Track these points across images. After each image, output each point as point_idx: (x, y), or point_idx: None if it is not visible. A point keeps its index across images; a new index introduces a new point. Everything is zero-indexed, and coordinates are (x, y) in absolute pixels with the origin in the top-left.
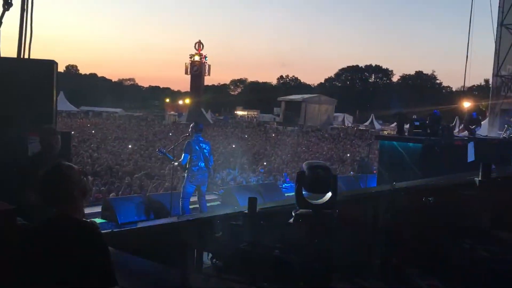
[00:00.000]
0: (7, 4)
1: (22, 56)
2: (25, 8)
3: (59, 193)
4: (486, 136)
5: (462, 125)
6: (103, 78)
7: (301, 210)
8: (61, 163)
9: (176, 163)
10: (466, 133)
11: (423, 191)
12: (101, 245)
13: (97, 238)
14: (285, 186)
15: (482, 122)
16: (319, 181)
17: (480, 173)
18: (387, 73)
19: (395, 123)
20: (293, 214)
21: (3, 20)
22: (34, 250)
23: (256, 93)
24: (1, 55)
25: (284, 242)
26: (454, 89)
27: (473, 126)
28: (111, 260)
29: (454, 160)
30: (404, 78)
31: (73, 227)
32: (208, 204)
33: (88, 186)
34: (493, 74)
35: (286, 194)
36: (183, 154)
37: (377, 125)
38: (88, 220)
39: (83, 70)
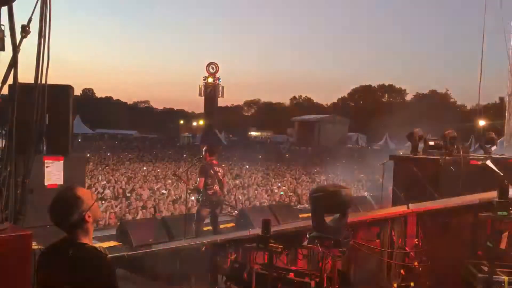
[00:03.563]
0: (25, 32)
1: (39, 82)
2: (43, 34)
3: (71, 217)
4: (502, 155)
5: (478, 144)
6: (118, 101)
7: (315, 232)
8: (73, 187)
9: (192, 188)
10: (481, 152)
11: (439, 211)
12: (108, 270)
13: (104, 264)
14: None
15: (498, 141)
16: (335, 202)
17: (497, 193)
18: (401, 92)
19: (409, 143)
20: (307, 236)
21: (21, 47)
22: (42, 275)
23: (269, 114)
24: (19, 81)
25: (299, 264)
26: (468, 108)
27: (489, 145)
28: (118, 285)
29: (470, 179)
30: (418, 97)
31: (81, 253)
32: (222, 226)
33: (98, 211)
34: (507, 92)
35: (300, 215)
36: (198, 178)
37: (391, 145)
38: (97, 246)
39: (99, 93)
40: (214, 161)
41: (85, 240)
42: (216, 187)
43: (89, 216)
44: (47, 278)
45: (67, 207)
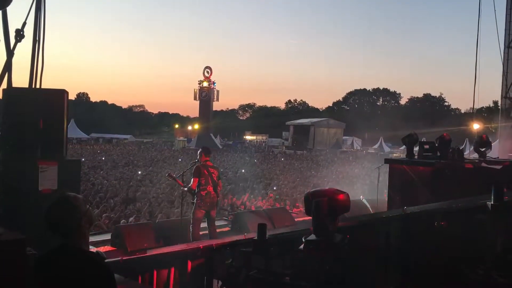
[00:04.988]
0: (19, 36)
1: (33, 86)
2: (37, 39)
3: (67, 224)
4: (497, 158)
5: (472, 147)
6: (113, 105)
7: (311, 236)
8: (67, 194)
9: (185, 189)
10: (476, 155)
11: (435, 215)
12: (107, 276)
13: (102, 269)
14: None
15: (492, 144)
16: (338, 207)
17: (492, 196)
18: (395, 96)
19: (404, 146)
20: (303, 240)
21: (15, 51)
22: (40, 281)
23: (264, 118)
24: (13, 85)
25: (295, 268)
26: (463, 111)
27: (483, 149)
28: None
29: (465, 183)
30: (412, 100)
31: (79, 258)
32: (218, 230)
33: (93, 216)
34: (501, 96)
35: (296, 219)
36: (191, 178)
37: (386, 148)
38: (94, 251)
39: (94, 97)
40: (209, 162)
41: (82, 245)
42: (210, 187)
43: (84, 222)
44: (46, 284)
45: (62, 213)
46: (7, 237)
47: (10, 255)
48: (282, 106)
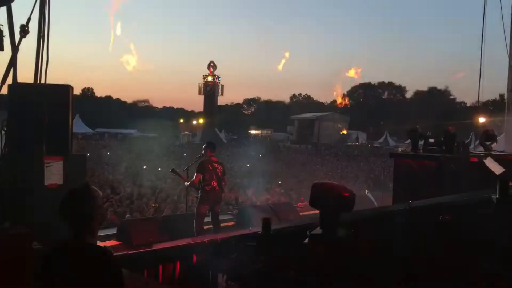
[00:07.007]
0: (24, 31)
1: (38, 81)
2: (42, 34)
3: (82, 210)
4: (503, 151)
5: (478, 141)
6: (118, 100)
7: (316, 230)
8: (89, 184)
9: (188, 183)
10: (482, 149)
11: (440, 209)
12: (115, 271)
13: (110, 264)
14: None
15: (498, 138)
16: (348, 203)
17: (497, 191)
18: (400, 89)
19: (409, 140)
20: (308, 234)
21: (20, 47)
22: (48, 275)
23: (269, 112)
24: (18, 81)
25: (300, 263)
26: (468, 105)
27: (489, 142)
28: (125, 285)
29: (470, 177)
30: (417, 94)
31: (87, 253)
32: (222, 225)
33: (105, 214)
34: (507, 89)
35: (301, 213)
36: (195, 174)
37: (391, 142)
38: (102, 246)
39: (99, 92)
40: (214, 158)
41: (92, 240)
42: (214, 183)
43: (96, 215)
44: (55, 278)
45: (80, 200)
46: (13, 231)
47: (16, 249)
48: (287, 100)
